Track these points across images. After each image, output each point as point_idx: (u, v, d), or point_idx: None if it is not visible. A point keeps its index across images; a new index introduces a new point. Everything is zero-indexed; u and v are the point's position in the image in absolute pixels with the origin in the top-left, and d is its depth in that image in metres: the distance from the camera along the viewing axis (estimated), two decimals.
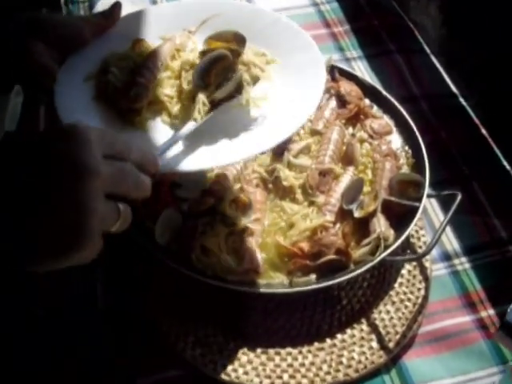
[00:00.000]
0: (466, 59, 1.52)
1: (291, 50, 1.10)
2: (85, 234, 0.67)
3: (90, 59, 1.06)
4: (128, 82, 1.01)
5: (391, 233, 1.09)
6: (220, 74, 1.00)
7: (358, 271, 1.03)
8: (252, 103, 0.99)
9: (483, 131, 1.40)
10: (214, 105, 0.97)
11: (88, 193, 0.67)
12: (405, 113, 1.28)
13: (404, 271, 1.14)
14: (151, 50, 1.09)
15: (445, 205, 1.24)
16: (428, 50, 1.58)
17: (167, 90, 1.04)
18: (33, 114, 1.35)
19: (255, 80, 1.03)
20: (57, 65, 1.02)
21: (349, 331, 1.06)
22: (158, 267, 1.08)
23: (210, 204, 1.10)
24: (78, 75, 1.04)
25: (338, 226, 1.11)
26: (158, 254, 1.04)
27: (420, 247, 1.18)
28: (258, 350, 1.03)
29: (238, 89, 0.98)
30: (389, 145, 1.24)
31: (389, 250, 1.05)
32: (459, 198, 1.10)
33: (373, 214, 1.10)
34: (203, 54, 1.04)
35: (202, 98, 0.96)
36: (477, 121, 1.42)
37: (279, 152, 1.20)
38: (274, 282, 1.04)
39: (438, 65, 1.55)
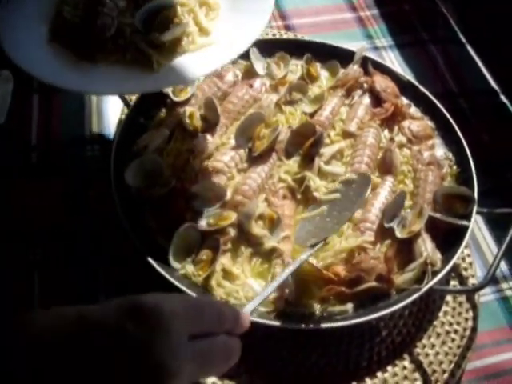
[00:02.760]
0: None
1: None
2: None
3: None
4: (87, 16, 0.99)
5: (438, 257, 0.96)
6: (163, 22, 1.01)
7: (403, 303, 0.91)
8: (199, 48, 1.01)
9: None
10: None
11: None
12: (447, 114, 1.15)
13: (449, 298, 1.02)
14: None
15: (492, 220, 1.11)
16: (464, 40, 1.43)
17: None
18: (25, 103, 1.21)
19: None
20: None
21: (390, 369, 0.94)
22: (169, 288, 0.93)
23: (231, 219, 0.96)
24: (26, 17, 1.00)
25: (378, 246, 0.98)
26: (173, 279, 0.90)
27: (465, 269, 1.06)
28: None
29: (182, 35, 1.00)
30: (431, 151, 1.10)
31: (437, 278, 0.93)
32: None
33: (417, 234, 0.97)
34: None
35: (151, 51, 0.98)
36: None
37: (309, 157, 1.06)
38: (305, 310, 0.91)
39: (475, 56, 1.40)
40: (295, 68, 1.23)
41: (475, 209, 1.01)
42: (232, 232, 0.96)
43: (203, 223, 0.96)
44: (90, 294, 0.99)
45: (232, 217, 0.97)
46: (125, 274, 1.00)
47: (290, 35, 1.38)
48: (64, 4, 1.03)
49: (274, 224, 0.98)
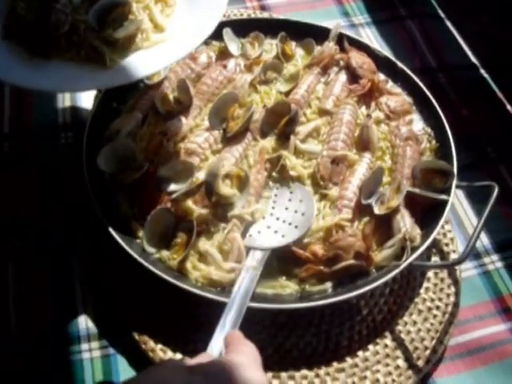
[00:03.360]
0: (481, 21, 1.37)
1: None
2: None
3: None
4: (41, 12, 0.96)
5: (418, 232, 0.94)
6: (118, 18, 0.98)
7: (382, 280, 0.89)
8: (153, 45, 0.99)
9: (509, 107, 1.26)
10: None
11: None
12: (425, 88, 1.12)
13: (430, 274, 1.00)
14: None
15: (473, 194, 1.10)
16: (443, 15, 1.41)
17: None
18: None
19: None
20: None
21: (371, 347, 0.92)
22: (146, 279, 0.91)
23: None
24: None
25: (356, 224, 0.96)
26: (147, 263, 0.88)
27: (447, 245, 1.04)
28: (269, 374, 0.88)
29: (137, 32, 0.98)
30: (409, 126, 1.08)
31: (416, 254, 0.91)
32: (496, 191, 0.96)
33: (396, 210, 0.96)
34: None
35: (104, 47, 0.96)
36: (501, 95, 1.27)
37: (284, 136, 1.04)
38: (283, 292, 0.90)
39: (454, 31, 1.38)
40: (270, 47, 1.21)
41: (454, 183, 0.99)
42: (204, 213, 0.94)
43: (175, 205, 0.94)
44: (65, 283, 0.98)
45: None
46: (100, 262, 0.98)
47: (266, 15, 1.36)
48: (18, 0, 0.99)
49: (242, 183, 0.97)
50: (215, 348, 0.76)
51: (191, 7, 1.03)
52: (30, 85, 0.92)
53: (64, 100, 1.20)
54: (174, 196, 0.94)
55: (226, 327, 0.79)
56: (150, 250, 0.92)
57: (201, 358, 0.71)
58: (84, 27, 0.96)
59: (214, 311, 0.82)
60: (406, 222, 0.94)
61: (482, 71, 1.32)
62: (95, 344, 0.92)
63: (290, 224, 0.95)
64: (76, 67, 0.95)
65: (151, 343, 0.90)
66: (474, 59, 1.34)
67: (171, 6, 1.05)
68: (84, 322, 0.94)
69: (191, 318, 0.92)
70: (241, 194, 0.96)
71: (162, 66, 0.98)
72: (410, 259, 0.90)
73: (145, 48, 0.98)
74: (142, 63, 0.95)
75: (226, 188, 0.96)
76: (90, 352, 0.91)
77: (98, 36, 0.95)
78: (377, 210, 0.96)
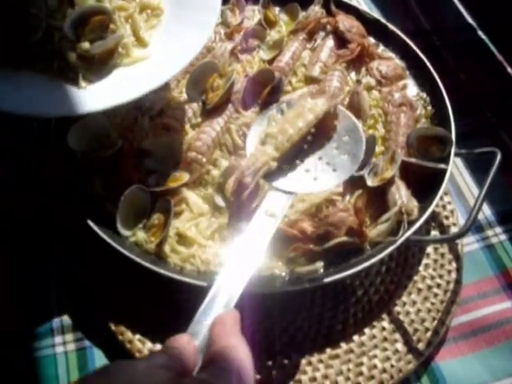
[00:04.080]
0: None
1: None
2: None
3: None
4: (14, 16, 0.87)
5: (415, 204, 0.87)
6: (97, 28, 0.89)
7: (377, 257, 0.82)
8: (133, 62, 0.90)
9: (509, 70, 1.18)
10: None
11: None
12: (419, 51, 1.05)
13: (430, 249, 0.94)
14: None
15: (473, 162, 1.03)
16: None
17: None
18: None
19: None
20: None
21: (368, 331, 0.86)
22: (122, 264, 0.84)
23: (183, 180, 0.87)
24: None
25: (347, 198, 0.90)
26: (123, 248, 0.81)
27: (447, 217, 0.97)
28: (257, 363, 0.81)
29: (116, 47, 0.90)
30: (402, 92, 1.01)
31: (414, 228, 0.84)
32: (499, 157, 0.89)
33: (391, 182, 0.89)
34: None
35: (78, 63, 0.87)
36: (500, 57, 1.20)
37: (268, 107, 0.96)
38: (270, 273, 0.83)
39: None
40: (252, 14, 1.14)
41: (453, 150, 0.92)
42: (185, 193, 0.87)
43: (152, 183, 0.87)
44: (38, 271, 0.91)
45: (184, 178, 0.88)
46: (74, 246, 0.92)
47: None
48: None
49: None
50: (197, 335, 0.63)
51: (178, 19, 0.95)
52: None
53: None
54: (152, 181, 0.88)
55: (215, 308, 0.65)
56: (126, 233, 0.85)
57: (176, 349, 0.62)
58: (59, 36, 0.87)
59: (195, 297, 0.75)
60: (401, 194, 0.87)
61: (480, 32, 1.24)
62: (69, 337, 0.86)
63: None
64: (46, 83, 0.85)
65: (128, 334, 0.84)
66: (470, 20, 1.27)
67: (157, 16, 0.97)
68: (57, 313, 0.87)
69: (171, 305, 0.85)
70: None
71: (141, 92, 0.84)
72: (407, 234, 0.83)
73: (124, 65, 0.90)
74: (119, 86, 0.86)
75: None
76: (64, 345, 0.86)
77: (72, 47, 0.87)
78: (370, 182, 0.89)
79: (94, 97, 0.84)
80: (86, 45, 0.86)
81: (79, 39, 0.87)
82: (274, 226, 0.74)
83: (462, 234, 0.83)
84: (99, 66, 0.88)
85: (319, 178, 0.81)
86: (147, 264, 0.80)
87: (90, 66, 0.88)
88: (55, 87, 0.85)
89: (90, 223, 0.84)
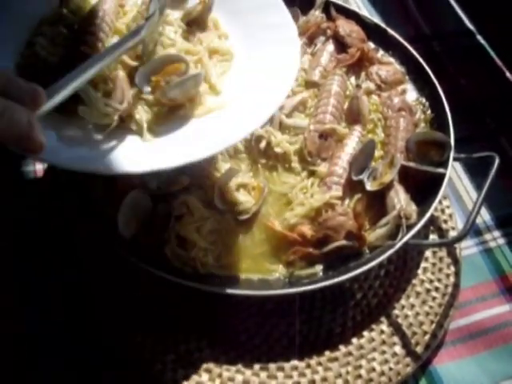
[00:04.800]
0: None
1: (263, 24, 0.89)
2: None
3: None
4: (67, 55, 0.80)
5: (413, 209, 0.88)
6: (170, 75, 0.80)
7: (376, 261, 0.82)
8: (207, 112, 0.80)
9: (508, 75, 1.19)
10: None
11: None
12: (418, 56, 1.06)
13: (428, 253, 0.94)
14: (90, 7, 0.86)
15: (472, 167, 1.04)
16: None
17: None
18: None
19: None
20: None
21: (366, 334, 0.87)
22: (122, 267, 0.85)
23: (183, 184, 0.88)
24: None
25: (346, 202, 0.90)
26: (123, 250, 0.82)
27: (445, 221, 0.98)
28: (256, 366, 0.83)
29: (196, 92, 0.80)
30: (402, 96, 1.02)
31: (412, 232, 0.84)
32: (497, 162, 0.90)
33: (389, 186, 0.89)
34: None
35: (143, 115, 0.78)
36: (499, 62, 1.20)
37: None
38: (270, 277, 0.83)
39: None
40: None
41: (452, 155, 0.92)
42: (185, 196, 0.88)
43: (153, 187, 0.88)
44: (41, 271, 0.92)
45: (185, 182, 0.89)
46: (75, 250, 0.93)
47: None
48: (39, 35, 0.83)
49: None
50: None
51: (251, 62, 0.87)
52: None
53: None
54: (153, 184, 0.87)
55: None
56: (127, 233, 0.85)
57: None
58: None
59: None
60: (400, 199, 0.87)
61: (479, 37, 1.25)
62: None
63: None
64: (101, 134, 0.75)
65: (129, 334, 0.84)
66: (469, 25, 1.28)
67: (228, 61, 0.89)
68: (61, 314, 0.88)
69: (172, 307, 0.86)
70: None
71: (218, 150, 0.76)
72: (406, 238, 0.84)
73: (196, 116, 0.79)
74: (191, 140, 0.76)
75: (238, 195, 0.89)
76: None
77: (144, 100, 0.79)
78: (369, 187, 0.90)
79: (162, 152, 0.75)
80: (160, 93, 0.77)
81: (153, 91, 0.79)
82: None
83: (460, 238, 0.83)
84: (168, 116, 0.79)
85: None
86: (148, 266, 0.81)
87: (158, 116, 0.79)
88: (114, 140, 0.75)
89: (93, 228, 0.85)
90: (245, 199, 0.89)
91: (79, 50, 0.79)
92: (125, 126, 0.77)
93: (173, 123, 0.79)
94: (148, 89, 0.79)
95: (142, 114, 0.78)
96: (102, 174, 0.75)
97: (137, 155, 0.74)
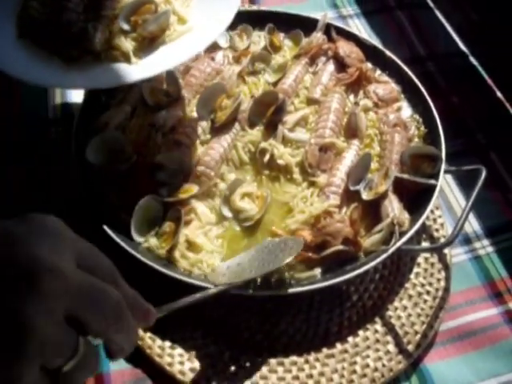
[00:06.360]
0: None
1: None
2: (15, 359, 0.48)
3: None
4: (53, 12, 0.99)
5: (406, 217, 0.94)
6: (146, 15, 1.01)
7: (370, 264, 0.88)
8: (178, 36, 1.02)
9: (498, 94, 1.25)
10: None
11: (34, 303, 0.49)
12: (413, 76, 1.12)
13: (420, 259, 1.00)
14: None
15: (463, 179, 1.09)
16: (432, 5, 1.41)
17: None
18: None
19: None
20: None
21: (361, 333, 0.92)
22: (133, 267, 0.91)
23: (192, 191, 0.94)
24: None
25: (344, 210, 0.96)
26: (135, 252, 0.88)
27: (437, 230, 1.04)
28: (258, 361, 0.88)
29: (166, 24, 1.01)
30: (397, 113, 1.08)
31: (405, 238, 0.90)
32: (484, 174, 0.95)
33: (384, 196, 0.96)
34: None
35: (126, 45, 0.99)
36: (490, 82, 1.27)
37: (272, 125, 1.04)
38: (271, 278, 0.89)
39: (443, 20, 1.38)
40: (258, 39, 1.22)
41: (443, 167, 0.99)
42: (194, 203, 0.94)
43: (164, 194, 0.94)
44: None
45: (193, 190, 0.95)
46: None
47: (255, 8, 1.36)
48: (30, 0, 1.01)
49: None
50: None
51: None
52: (51, 83, 0.98)
53: (54, 96, 1.20)
54: (164, 192, 0.95)
55: None
56: (139, 239, 0.92)
57: None
58: (106, 27, 0.99)
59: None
60: (394, 207, 0.94)
61: (472, 59, 1.31)
62: None
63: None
64: (98, 64, 0.97)
65: (140, 332, 0.89)
66: (463, 47, 1.34)
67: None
68: None
69: None
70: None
71: (187, 57, 0.99)
72: (399, 243, 0.90)
73: (170, 41, 1.01)
74: (167, 56, 0.98)
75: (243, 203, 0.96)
76: None
77: (127, 37, 0.99)
78: (365, 196, 0.96)
79: (145, 67, 0.96)
80: (140, 30, 0.98)
81: (133, 29, 0.99)
82: None
83: (448, 243, 0.89)
84: (148, 45, 1.00)
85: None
86: (159, 267, 0.87)
87: (140, 46, 0.99)
88: (107, 67, 0.96)
89: (107, 230, 0.90)
90: (249, 207, 0.96)
91: (62, 4, 0.99)
92: (115, 57, 0.98)
93: (153, 49, 1.00)
94: (128, 27, 1.00)
95: (127, 46, 0.98)
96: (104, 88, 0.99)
97: (129, 70, 0.96)
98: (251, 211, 0.96)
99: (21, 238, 0.51)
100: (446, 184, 1.11)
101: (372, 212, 0.95)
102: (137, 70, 0.96)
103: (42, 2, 1.01)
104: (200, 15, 1.04)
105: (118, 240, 0.89)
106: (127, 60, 0.97)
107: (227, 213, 0.96)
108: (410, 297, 0.96)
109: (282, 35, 1.22)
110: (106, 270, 0.56)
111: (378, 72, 1.17)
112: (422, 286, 0.97)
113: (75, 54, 0.97)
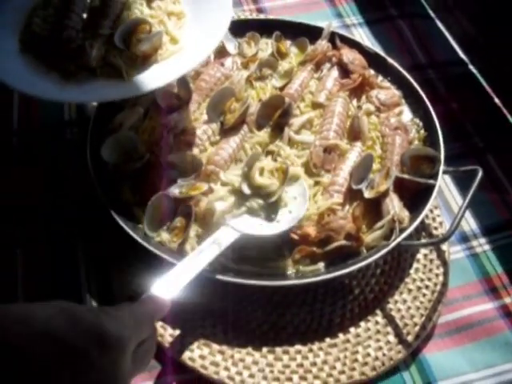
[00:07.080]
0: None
1: None
2: None
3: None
4: (54, 29, 1.06)
5: (406, 214, 0.99)
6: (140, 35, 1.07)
7: (372, 258, 0.93)
8: (170, 55, 1.08)
9: (496, 100, 1.30)
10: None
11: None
12: (413, 82, 1.17)
13: (420, 256, 1.04)
14: None
15: (461, 181, 1.14)
16: (433, 15, 1.46)
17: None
18: (5, 89, 1.23)
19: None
20: None
21: (363, 324, 0.96)
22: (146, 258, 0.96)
23: (202, 189, 0.99)
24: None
25: (346, 208, 1.01)
26: (148, 245, 0.93)
27: (436, 228, 1.08)
28: (264, 349, 0.93)
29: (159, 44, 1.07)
30: (398, 117, 1.13)
31: (404, 234, 0.95)
32: (480, 174, 1.00)
33: (385, 194, 1.00)
34: None
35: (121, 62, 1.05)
36: (489, 89, 1.32)
37: (279, 128, 1.09)
38: (278, 271, 0.94)
39: (444, 30, 1.43)
40: (265, 46, 1.26)
41: (441, 168, 1.03)
42: (203, 200, 0.99)
43: (176, 191, 0.99)
44: (71, 270, 1.02)
45: (203, 187, 1.00)
46: (103, 249, 1.03)
47: (262, 17, 1.42)
48: (34, 16, 1.08)
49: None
50: None
51: (198, 18, 1.13)
52: (51, 97, 1.01)
53: None
54: (175, 190, 0.99)
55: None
56: (151, 234, 0.96)
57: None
58: (101, 45, 1.05)
59: None
60: (394, 205, 0.98)
61: (471, 67, 1.36)
62: None
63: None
64: (94, 80, 1.03)
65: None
66: (462, 55, 1.39)
67: (182, 19, 1.15)
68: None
69: None
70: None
71: (177, 75, 1.04)
72: (399, 239, 0.94)
73: (162, 60, 1.07)
74: (159, 74, 1.04)
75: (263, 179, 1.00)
76: None
77: (119, 54, 1.05)
78: (367, 194, 1.01)
79: (137, 83, 1.02)
80: (135, 48, 1.04)
81: (128, 47, 1.05)
82: (214, 253, 0.88)
83: (445, 238, 0.94)
84: (142, 63, 1.06)
85: (263, 224, 0.96)
86: (171, 259, 0.91)
87: (134, 65, 1.05)
88: (102, 82, 1.03)
89: (122, 225, 0.95)
90: (270, 182, 0.99)
91: (63, 23, 1.06)
92: (109, 74, 1.04)
93: (146, 67, 1.06)
94: (123, 46, 1.05)
95: (121, 63, 1.04)
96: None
97: (122, 86, 1.02)
98: (272, 186, 0.98)
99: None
100: (444, 184, 1.15)
101: (373, 209, 1.00)
102: (130, 86, 1.02)
103: (44, 19, 1.08)
104: (192, 35, 1.11)
105: (133, 235, 0.94)
106: (121, 77, 1.03)
107: (247, 190, 0.99)
108: (410, 291, 1.00)
109: (288, 42, 1.27)
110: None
111: (380, 78, 1.22)
112: (422, 280, 1.01)
113: (72, 69, 1.03)
